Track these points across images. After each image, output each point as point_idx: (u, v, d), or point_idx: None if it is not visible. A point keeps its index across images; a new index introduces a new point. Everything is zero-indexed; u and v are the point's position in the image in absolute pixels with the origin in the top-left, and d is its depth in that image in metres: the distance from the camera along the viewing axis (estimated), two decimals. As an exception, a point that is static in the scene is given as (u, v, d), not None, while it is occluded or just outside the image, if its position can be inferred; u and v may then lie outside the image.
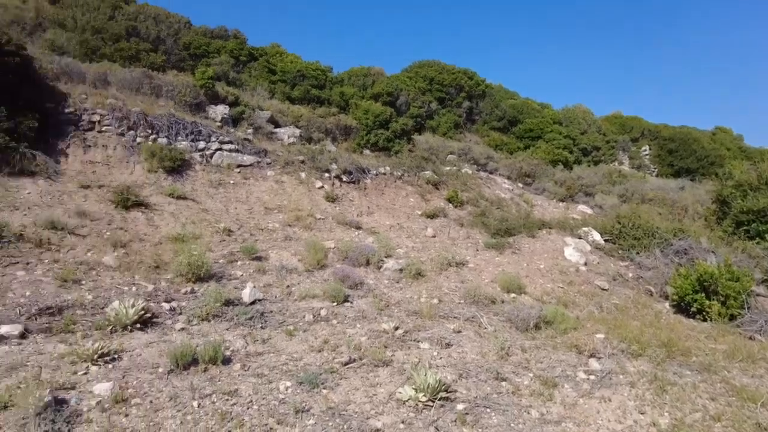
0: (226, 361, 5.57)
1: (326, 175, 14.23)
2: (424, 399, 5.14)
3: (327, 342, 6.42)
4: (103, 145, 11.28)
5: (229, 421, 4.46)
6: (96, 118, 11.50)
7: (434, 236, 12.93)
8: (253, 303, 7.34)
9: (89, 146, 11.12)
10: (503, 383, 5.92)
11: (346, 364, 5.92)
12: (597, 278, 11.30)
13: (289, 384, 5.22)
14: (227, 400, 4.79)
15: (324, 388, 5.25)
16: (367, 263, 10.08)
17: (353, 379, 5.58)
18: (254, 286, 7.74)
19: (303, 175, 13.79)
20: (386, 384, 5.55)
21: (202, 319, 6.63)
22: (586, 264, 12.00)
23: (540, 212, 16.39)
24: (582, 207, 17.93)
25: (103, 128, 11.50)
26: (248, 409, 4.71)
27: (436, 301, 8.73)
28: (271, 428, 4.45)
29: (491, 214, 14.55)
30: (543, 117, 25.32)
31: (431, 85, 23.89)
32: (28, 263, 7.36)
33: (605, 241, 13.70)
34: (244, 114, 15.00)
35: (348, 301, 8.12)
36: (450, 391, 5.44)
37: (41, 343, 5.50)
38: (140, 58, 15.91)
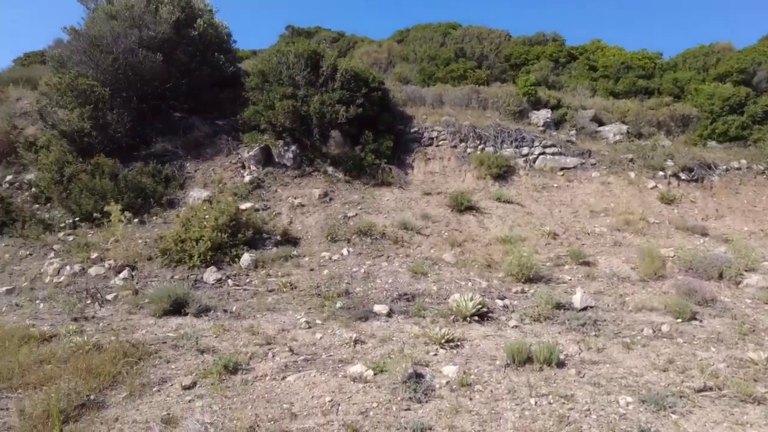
0: (560, 364, 5.48)
1: (660, 173, 12.78)
2: (822, 458, 3.93)
3: (672, 362, 5.64)
4: (439, 157, 12.88)
5: (566, 425, 4.35)
6: (434, 134, 13.24)
7: (823, 247, 9.94)
8: (584, 309, 7.06)
9: (429, 159, 12.85)
10: None
11: (700, 391, 5.07)
12: None
13: (630, 400, 4.79)
14: (563, 403, 4.70)
15: (673, 413, 4.61)
16: (720, 277, 8.51)
17: (711, 411, 4.72)
18: (584, 292, 7.43)
19: (632, 174, 12.65)
20: (759, 425, 4.49)
21: (534, 320, 6.75)
22: None
23: None
24: None
25: (440, 142, 13.13)
26: (586, 417, 4.51)
27: (830, 331, 6.65)
28: (613, 442, 4.15)
29: None
30: None
31: (809, 49, 18.53)
32: (388, 256, 8.96)
33: None
34: (566, 116, 14.72)
35: (696, 319, 7.00)
36: None
37: (401, 323, 6.59)
38: (467, 76, 17.46)
